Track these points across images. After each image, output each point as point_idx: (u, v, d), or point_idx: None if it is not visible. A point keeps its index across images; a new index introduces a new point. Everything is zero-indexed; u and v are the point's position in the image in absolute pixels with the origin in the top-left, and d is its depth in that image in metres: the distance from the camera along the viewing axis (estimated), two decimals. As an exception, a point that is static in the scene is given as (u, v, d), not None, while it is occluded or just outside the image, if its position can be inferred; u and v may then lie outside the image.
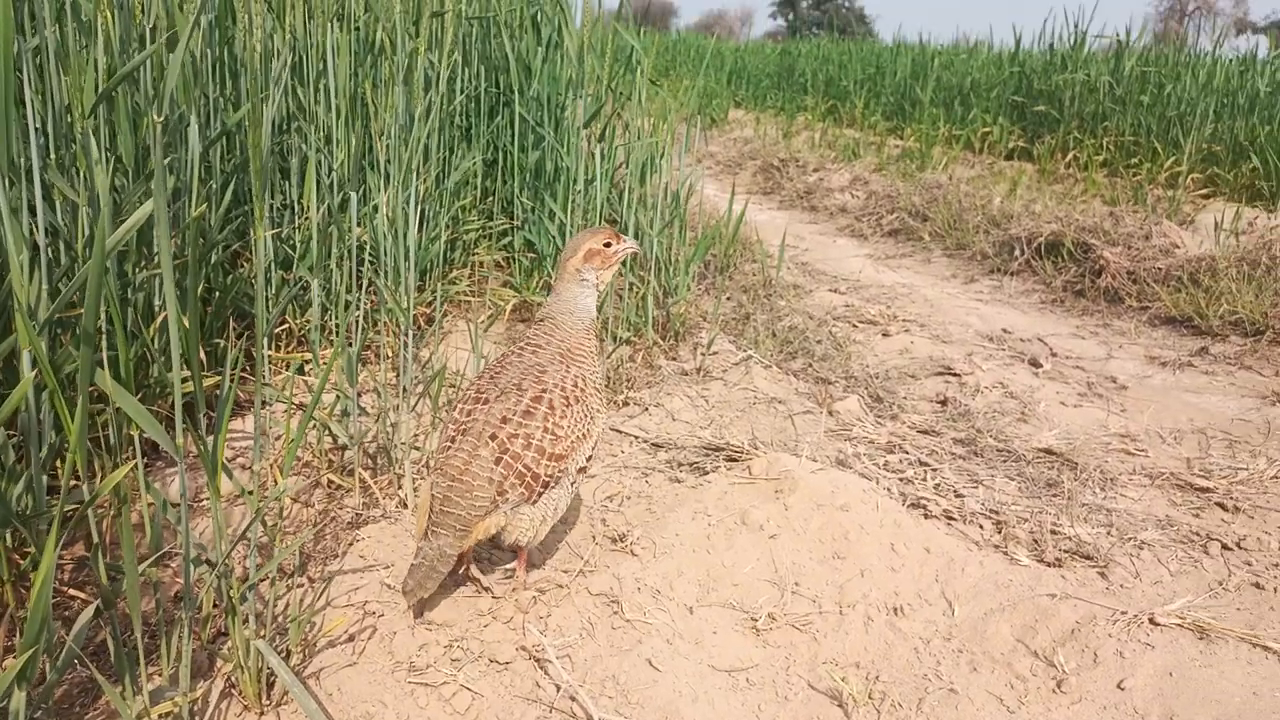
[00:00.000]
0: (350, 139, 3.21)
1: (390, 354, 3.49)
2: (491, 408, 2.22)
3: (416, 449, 2.94)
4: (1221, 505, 3.09)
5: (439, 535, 2.18)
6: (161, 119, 1.44)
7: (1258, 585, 2.63)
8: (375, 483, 2.76)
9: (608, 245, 2.34)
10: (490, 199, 4.68)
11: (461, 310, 4.19)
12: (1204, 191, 7.84)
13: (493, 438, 2.20)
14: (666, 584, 2.43)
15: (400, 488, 2.76)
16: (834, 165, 9.12)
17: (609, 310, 4.05)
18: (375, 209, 3.33)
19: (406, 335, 3.00)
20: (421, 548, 2.16)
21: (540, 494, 2.23)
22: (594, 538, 2.67)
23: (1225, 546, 2.83)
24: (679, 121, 5.81)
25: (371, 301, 3.67)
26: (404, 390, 3.01)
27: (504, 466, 2.18)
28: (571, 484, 2.31)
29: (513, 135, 4.52)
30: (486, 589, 2.37)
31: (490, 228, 4.47)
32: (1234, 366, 4.41)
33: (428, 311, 3.90)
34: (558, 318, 2.33)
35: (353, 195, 3.01)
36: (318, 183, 3.47)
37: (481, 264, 4.43)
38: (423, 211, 3.85)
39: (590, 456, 2.31)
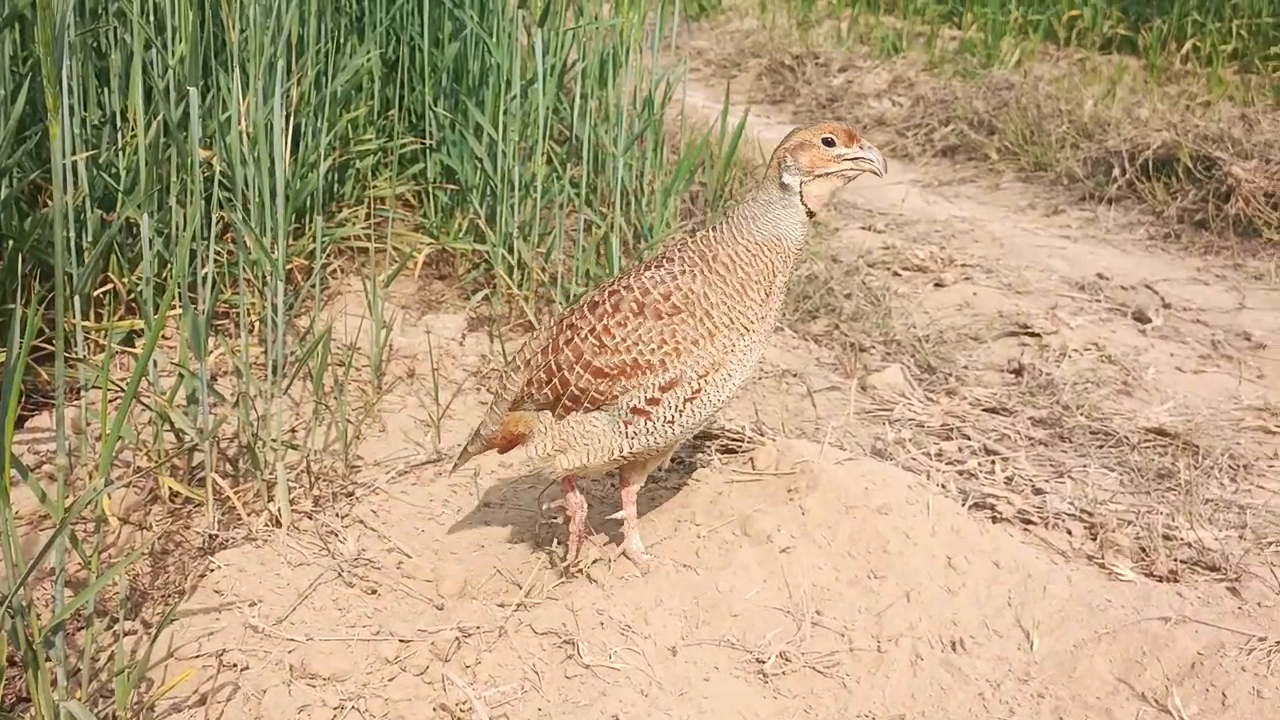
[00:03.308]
0: (192, 27, 3.17)
1: (256, 321, 3.46)
2: (591, 291, 2.47)
3: (294, 447, 2.92)
4: (1394, 496, 3.12)
5: (489, 411, 2.60)
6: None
7: None
8: (236, 494, 2.74)
9: (828, 144, 2.31)
10: (393, 111, 4.65)
11: (355, 263, 4.17)
12: (1370, 88, 7.91)
13: (559, 322, 2.46)
14: (639, 616, 2.44)
15: (271, 499, 2.74)
16: (868, 63, 9.14)
17: (557, 260, 4.04)
18: (229, 123, 3.30)
19: (276, 295, 2.98)
20: None
21: (568, 409, 2.41)
22: (539, 559, 2.66)
23: (1399, 550, 2.86)
24: (652, 5, 5.80)
25: (229, 251, 3.64)
26: (274, 369, 2.99)
27: (542, 355, 2.44)
28: (626, 425, 2.37)
29: (422, 23, 4.49)
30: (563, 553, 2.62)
31: (393, 150, 4.45)
32: None
33: (307, 264, 3.87)
34: (735, 217, 2.36)
35: (194, 101, 2.97)
36: (148, 88, 3.43)
37: (382, 200, 4.41)
38: (297, 126, 3.82)
39: (654, 400, 2.32)
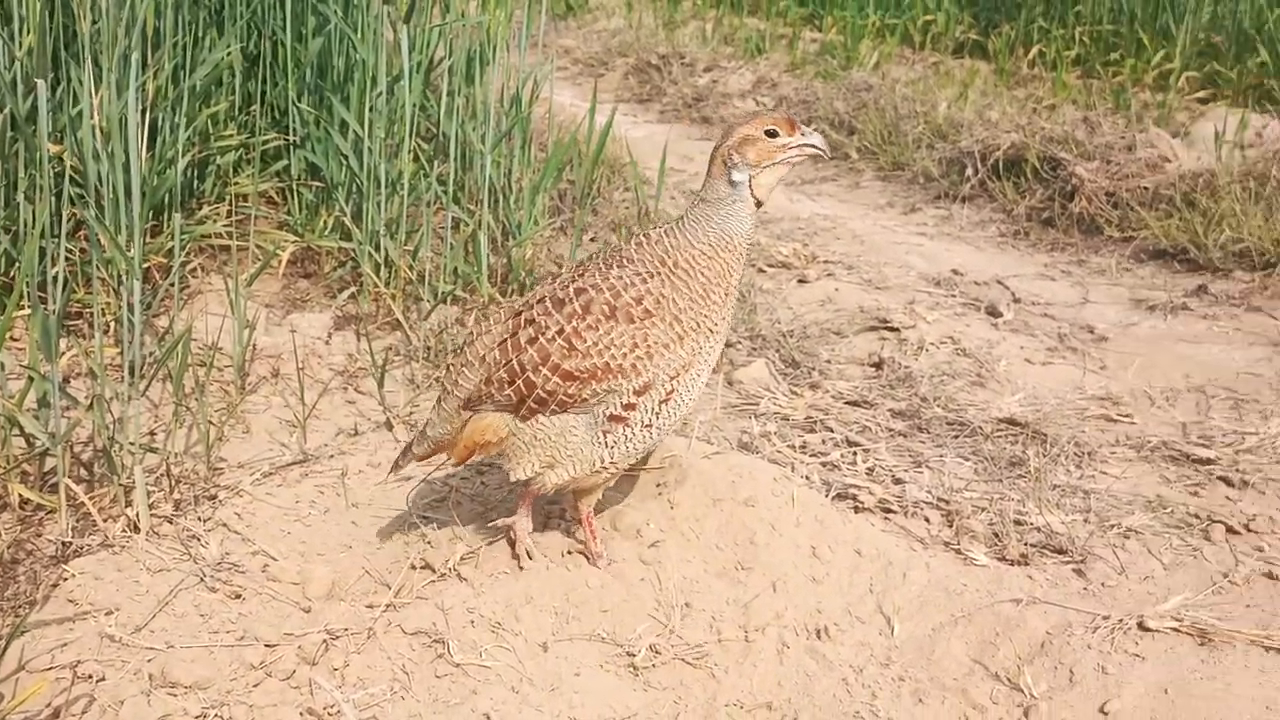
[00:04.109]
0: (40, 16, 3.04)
1: (111, 321, 3.34)
2: (546, 285, 2.39)
3: (153, 450, 2.83)
4: (1226, 479, 3.28)
5: (436, 408, 2.49)
6: None
7: (1271, 575, 2.81)
8: (91, 499, 2.64)
9: (772, 134, 2.31)
10: (254, 106, 4.53)
11: (216, 261, 4.05)
12: (1201, 94, 8.28)
13: (516, 314, 2.38)
14: (510, 614, 2.42)
15: (129, 504, 2.65)
16: (732, 64, 9.23)
17: (425, 258, 3.99)
18: (81, 117, 3.18)
19: (133, 294, 2.88)
20: None
21: (533, 410, 2.34)
22: (408, 559, 2.63)
23: (1231, 530, 3.01)
24: (519, 3, 5.76)
25: (82, 250, 3.51)
26: (131, 370, 2.89)
27: (500, 351, 2.35)
28: (604, 434, 2.34)
29: (284, 17, 4.39)
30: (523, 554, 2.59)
31: (255, 146, 4.33)
32: (1239, 308, 4.69)
33: (165, 262, 3.75)
34: (687, 220, 2.35)
35: (43, 94, 2.85)
36: (-7, 79, 3.29)
37: (244, 197, 4.29)
38: (153, 121, 3.70)
39: (630, 405, 2.31)
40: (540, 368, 2.30)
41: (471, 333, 2.47)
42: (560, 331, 2.29)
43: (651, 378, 2.31)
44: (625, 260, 2.35)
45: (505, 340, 2.36)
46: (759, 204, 2.36)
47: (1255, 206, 5.26)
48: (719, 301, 2.34)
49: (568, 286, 2.34)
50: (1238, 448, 3.43)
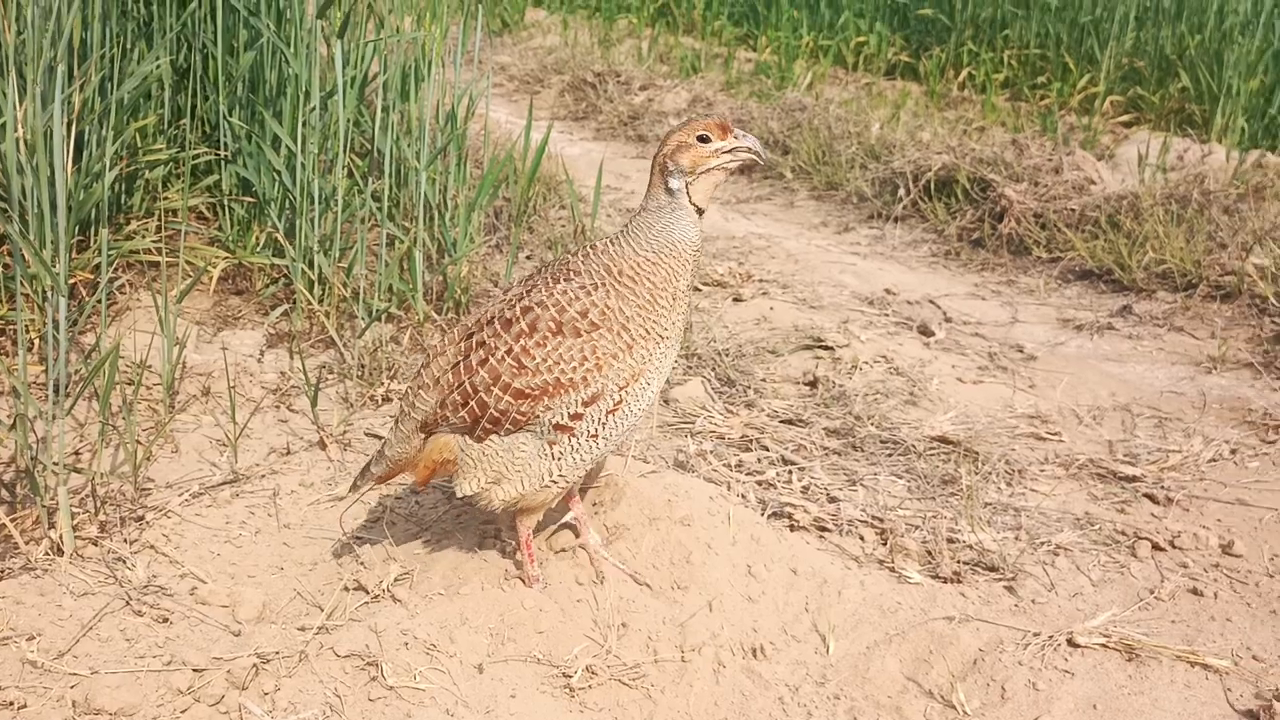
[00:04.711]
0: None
1: (35, 338, 3.27)
2: (496, 302, 2.39)
3: (78, 471, 2.77)
4: (1151, 496, 3.34)
5: (394, 429, 2.50)
6: None
7: (1195, 591, 2.86)
8: (13, 521, 2.58)
9: (704, 140, 2.31)
10: (184, 120, 4.46)
11: (145, 277, 3.98)
12: (1125, 118, 8.48)
13: (468, 336, 2.37)
14: (444, 636, 2.40)
15: (52, 526, 2.59)
16: (668, 82, 9.28)
17: (359, 276, 3.95)
18: (4, 129, 3.12)
19: (58, 311, 2.83)
20: None
21: (488, 431, 2.35)
22: (341, 580, 2.59)
23: (1156, 546, 3.07)
24: (455, 20, 5.75)
25: (5, 265, 3.44)
26: (56, 389, 2.83)
27: (453, 374, 2.35)
28: (550, 445, 2.34)
29: (215, 30, 4.33)
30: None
31: (185, 161, 4.27)
32: (1162, 328, 4.79)
33: (92, 278, 3.68)
34: (631, 229, 2.36)
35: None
36: (-87, 90, 3.21)
37: (173, 212, 4.22)
38: (80, 134, 3.63)
39: (577, 415, 2.30)
40: (492, 388, 2.30)
41: (429, 354, 2.45)
42: (509, 351, 2.29)
43: (600, 388, 2.31)
44: (572, 272, 2.34)
45: (458, 363, 2.36)
46: (700, 211, 2.37)
47: (1177, 229, 5.38)
48: (666, 306, 2.34)
49: (515, 305, 2.34)
50: (1162, 465, 3.50)
